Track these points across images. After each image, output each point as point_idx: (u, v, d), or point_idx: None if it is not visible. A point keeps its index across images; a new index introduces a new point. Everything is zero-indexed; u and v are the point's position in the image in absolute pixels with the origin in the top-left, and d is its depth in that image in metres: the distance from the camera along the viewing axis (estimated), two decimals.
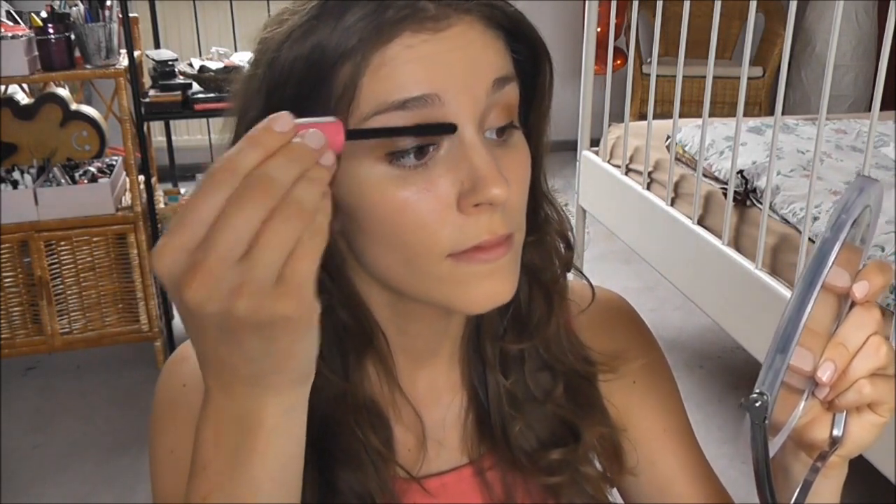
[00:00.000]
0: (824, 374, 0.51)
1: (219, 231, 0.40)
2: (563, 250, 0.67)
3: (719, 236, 2.10)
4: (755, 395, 0.50)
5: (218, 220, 0.41)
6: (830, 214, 0.51)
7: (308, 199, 0.42)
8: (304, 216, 0.41)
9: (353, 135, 0.50)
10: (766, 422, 0.50)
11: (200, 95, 2.61)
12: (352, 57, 0.52)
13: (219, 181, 0.41)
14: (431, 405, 0.69)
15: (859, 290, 0.51)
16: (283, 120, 0.43)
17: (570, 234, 0.67)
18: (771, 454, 0.51)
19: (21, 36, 2.40)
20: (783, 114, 1.98)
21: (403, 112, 0.52)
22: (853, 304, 0.52)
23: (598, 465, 0.71)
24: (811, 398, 0.54)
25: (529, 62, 0.59)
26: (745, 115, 2.13)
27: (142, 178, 2.72)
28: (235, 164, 0.41)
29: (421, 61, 0.52)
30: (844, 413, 0.54)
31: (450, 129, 0.53)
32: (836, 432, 0.54)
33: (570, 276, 0.70)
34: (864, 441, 0.55)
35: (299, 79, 0.53)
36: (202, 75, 2.62)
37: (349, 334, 0.61)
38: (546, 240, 0.65)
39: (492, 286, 0.56)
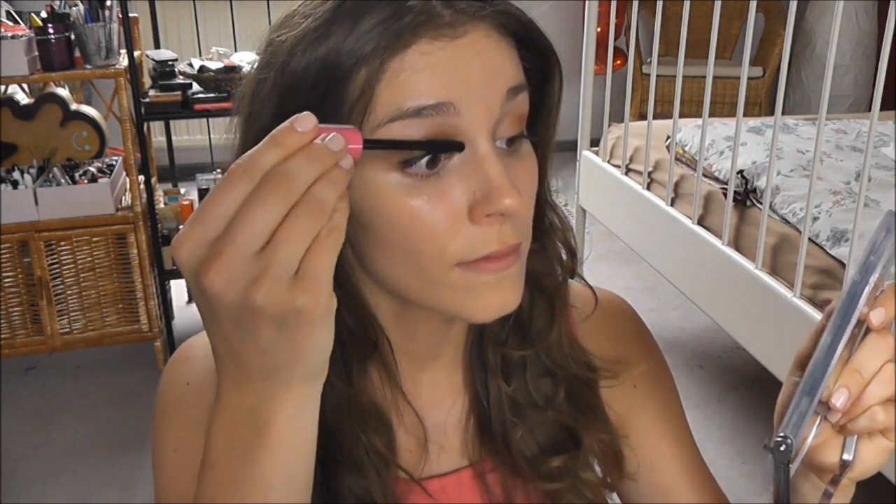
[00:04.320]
0: (838, 401, 0.51)
1: (239, 224, 0.42)
2: (565, 258, 0.67)
3: (719, 236, 2.09)
4: (779, 439, 0.51)
5: (238, 213, 0.42)
6: (860, 255, 0.52)
7: (327, 198, 0.43)
8: (323, 214, 0.43)
9: (370, 144, 0.50)
10: (791, 465, 0.51)
11: (200, 95, 2.61)
12: (368, 62, 0.51)
13: (239, 177, 0.43)
14: (433, 408, 0.69)
15: (876, 317, 0.51)
16: (305, 121, 0.44)
17: (573, 241, 0.67)
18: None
19: (21, 36, 2.39)
20: (783, 114, 1.98)
21: (418, 119, 0.51)
22: (868, 330, 0.52)
23: (598, 470, 0.71)
24: (823, 422, 0.54)
25: (538, 70, 0.59)
26: (745, 115, 2.13)
27: (142, 178, 2.72)
28: (256, 161, 0.43)
29: (437, 69, 0.52)
30: (855, 437, 0.55)
31: (459, 147, 0.53)
32: (846, 456, 0.54)
33: (572, 280, 0.70)
34: (873, 465, 0.55)
35: (313, 83, 0.53)
36: (202, 75, 2.62)
37: (354, 340, 0.61)
38: (549, 247, 0.65)
39: (499, 296, 0.56)
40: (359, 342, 0.61)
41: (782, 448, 0.51)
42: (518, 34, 0.56)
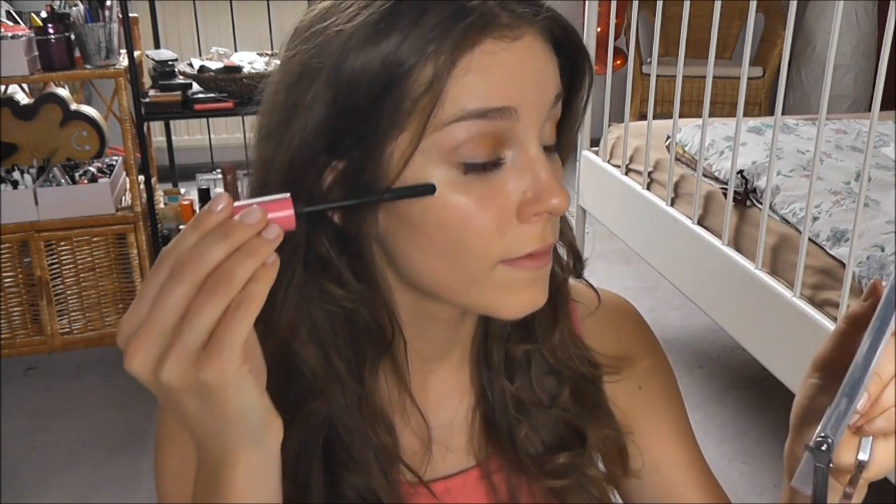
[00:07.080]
0: (858, 403, 0.52)
1: (154, 305, 0.44)
2: (567, 258, 0.68)
3: (719, 236, 2.09)
4: (820, 439, 0.52)
5: (156, 296, 0.44)
6: None
7: (236, 271, 0.44)
8: (231, 287, 0.44)
9: (308, 209, 0.50)
10: (831, 465, 0.52)
11: (200, 95, 2.61)
12: (435, 59, 0.51)
13: (163, 263, 0.45)
14: (440, 408, 0.69)
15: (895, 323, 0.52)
16: (218, 200, 0.45)
17: (576, 243, 0.68)
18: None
19: (21, 36, 2.39)
20: (783, 114, 1.98)
21: (483, 121, 0.53)
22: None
23: (601, 466, 0.71)
24: None
25: (567, 77, 0.59)
26: (745, 115, 2.13)
27: (142, 178, 2.72)
28: (177, 246, 0.45)
29: (501, 70, 0.53)
30: (871, 438, 0.55)
31: (429, 190, 0.53)
32: (862, 456, 0.55)
33: (574, 279, 0.71)
34: (888, 465, 0.56)
35: (372, 78, 0.52)
36: (202, 75, 2.62)
37: (370, 338, 0.61)
38: (554, 247, 0.66)
39: (532, 293, 0.58)
40: (374, 341, 0.61)
41: (823, 448, 0.52)
42: (560, 41, 0.57)
